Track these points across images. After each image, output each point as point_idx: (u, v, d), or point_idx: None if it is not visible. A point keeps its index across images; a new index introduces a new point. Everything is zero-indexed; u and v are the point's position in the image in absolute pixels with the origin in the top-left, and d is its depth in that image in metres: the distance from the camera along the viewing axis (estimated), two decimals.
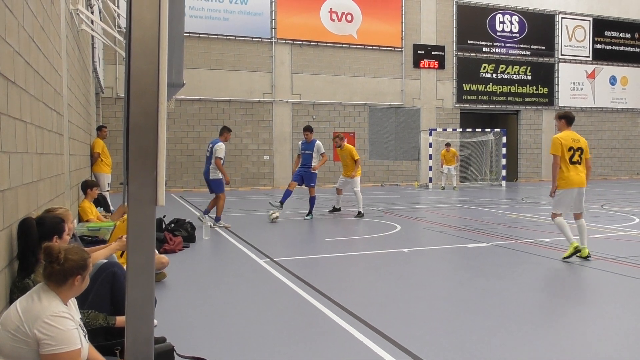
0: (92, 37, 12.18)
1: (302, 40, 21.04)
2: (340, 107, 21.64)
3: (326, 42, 21.29)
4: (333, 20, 21.37)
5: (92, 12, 11.19)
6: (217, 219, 9.79)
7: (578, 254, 6.64)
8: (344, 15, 21.49)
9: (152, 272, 1.48)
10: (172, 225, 8.23)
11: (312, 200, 11.21)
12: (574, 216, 6.91)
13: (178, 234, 7.94)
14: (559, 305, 4.94)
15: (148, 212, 1.37)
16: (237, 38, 20.23)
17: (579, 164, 6.71)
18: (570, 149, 6.67)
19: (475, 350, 3.71)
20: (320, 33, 21.23)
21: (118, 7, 17.30)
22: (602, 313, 4.67)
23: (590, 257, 6.69)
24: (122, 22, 15.44)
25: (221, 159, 9.75)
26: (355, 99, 21.79)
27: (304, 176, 11.16)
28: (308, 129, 11.32)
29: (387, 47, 22.03)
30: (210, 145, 9.98)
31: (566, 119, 6.87)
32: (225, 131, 10.11)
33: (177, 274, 6.04)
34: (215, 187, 9.84)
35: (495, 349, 3.74)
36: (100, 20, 13.05)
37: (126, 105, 1.31)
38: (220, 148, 9.78)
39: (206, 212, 10.02)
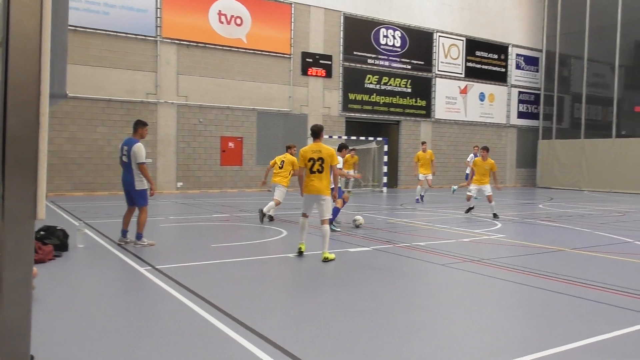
0: None
1: (189, 41, 20.54)
2: (228, 110, 21.42)
3: (215, 45, 20.98)
4: (222, 22, 21.11)
5: None
6: (139, 236, 8.17)
7: (299, 253, 7.51)
8: (233, 19, 21.33)
9: (30, 288, 1.39)
10: (42, 233, 7.62)
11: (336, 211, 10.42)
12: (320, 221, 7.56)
13: (49, 242, 7.38)
14: (430, 305, 5.31)
15: (26, 226, 1.28)
16: (118, 34, 19.24)
17: (321, 172, 7.34)
18: (310, 159, 7.33)
19: (357, 353, 3.88)
20: (209, 35, 20.88)
21: None
22: (467, 311, 5.10)
23: (302, 253, 7.55)
24: None
25: (145, 163, 8.16)
26: (244, 103, 21.70)
27: None
28: (343, 147, 10.85)
29: (276, 53, 22.22)
30: (126, 147, 8.19)
31: (312, 132, 7.56)
32: (139, 126, 8.29)
33: (48, 285, 5.62)
34: (141, 199, 8.27)
35: (376, 350, 3.95)
36: None
37: (2, 116, 1.23)
38: (141, 150, 8.09)
39: (139, 236, 8.17)
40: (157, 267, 6.65)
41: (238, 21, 21.42)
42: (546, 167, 28.75)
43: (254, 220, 11.71)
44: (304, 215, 7.66)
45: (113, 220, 10.70)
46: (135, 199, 8.32)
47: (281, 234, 9.75)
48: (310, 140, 22.40)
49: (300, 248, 7.59)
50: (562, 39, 28.59)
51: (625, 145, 25.13)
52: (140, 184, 8.24)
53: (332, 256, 7.31)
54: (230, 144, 21.52)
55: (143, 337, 4.14)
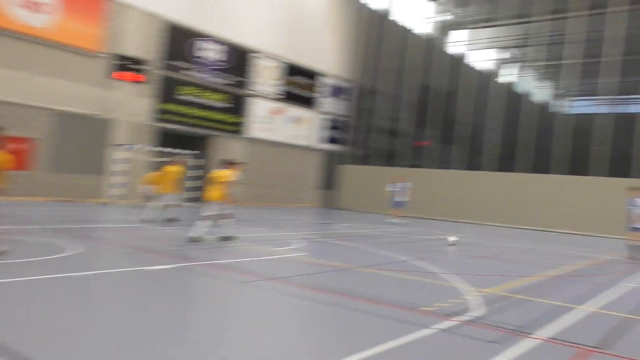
0: None
1: None
2: (16, 107, 19.03)
3: (8, 30, 18.57)
4: (21, 6, 18.82)
5: None
6: None
7: None
8: (35, 4, 19.16)
9: None
10: None
11: None
12: None
13: None
14: (228, 325, 5.36)
15: None
16: None
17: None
18: None
19: None
20: (2, 17, 18.43)
21: None
22: (261, 328, 5.27)
23: None
24: None
25: None
26: (39, 100, 19.52)
27: None
28: None
29: (83, 49, 20.51)
30: None
31: None
32: None
33: None
34: None
35: None
36: None
37: None
38: None
39: None
40: None
41: (41, 7, 19.32)
42: (344, 190, 31.22)
43: (37, 234, 10.54)
44: None
45: None
46: None
47: (68, 250, 8.94)
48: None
49: None
50: (366, 74, 31.62)
51: (412, 175, 28.48)
52: None
53: None
54: (18, 146, 19.12)
55: None
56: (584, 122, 25.89)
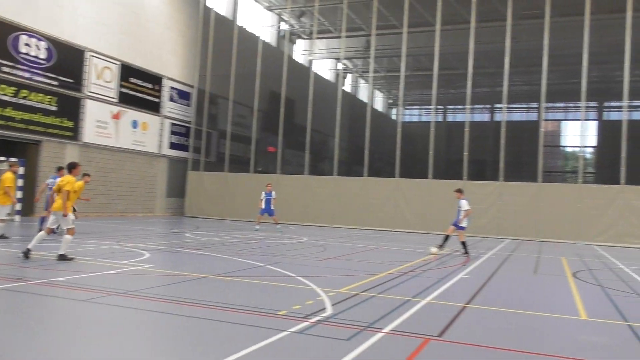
0: None
1: None
2: None
3: None
4: None
5: None
6: None
7: None
8: None
9: None
10: None
11: None
12: None
13: None
14: (70, 349, 4.81)
15: None
16: None
17: None
18: None
19: None
20: None
21: None
22: (110, 347, 4.80)
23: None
24: None
25: None
26: None
27: None
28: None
29: None
30: None
31: None
32: None
33: None
34: None
35: None
36: None
37: None
38: None
39: None
40: None
41: None
42: (194, 198, 30.27)
43: None
44: None
45: None
46: None
47: None
48: None
49: None
50: (212, 80, 30.99)
51: (260, 180, 28.65)
52: None
53: None
54: None
55: None
56: (420, 129, 28.33)
